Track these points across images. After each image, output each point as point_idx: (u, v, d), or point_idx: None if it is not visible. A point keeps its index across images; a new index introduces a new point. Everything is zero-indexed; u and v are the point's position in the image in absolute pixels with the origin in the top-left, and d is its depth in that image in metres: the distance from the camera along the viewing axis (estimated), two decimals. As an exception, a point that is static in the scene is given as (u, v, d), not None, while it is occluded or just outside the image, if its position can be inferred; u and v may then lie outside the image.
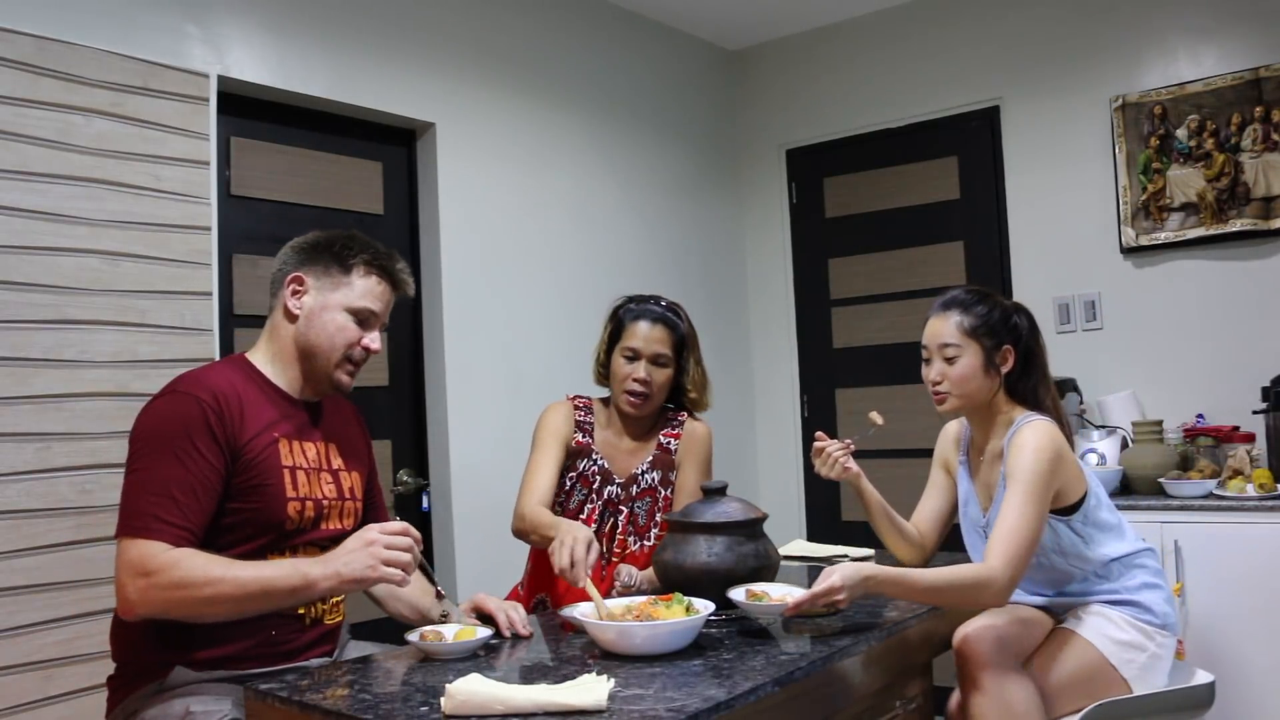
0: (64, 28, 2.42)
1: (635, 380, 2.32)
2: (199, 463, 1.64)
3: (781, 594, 1.83)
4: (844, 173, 4.37)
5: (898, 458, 4.16)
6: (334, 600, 1.85)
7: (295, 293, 1.83)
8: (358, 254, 1.85)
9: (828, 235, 4.41)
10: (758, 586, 1.87)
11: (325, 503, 1.82)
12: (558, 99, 3.76)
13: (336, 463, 1.88)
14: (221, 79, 2.75)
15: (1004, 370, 2.14)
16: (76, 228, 2.42)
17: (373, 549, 1.60)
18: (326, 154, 3.13)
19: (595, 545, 1.94)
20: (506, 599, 1.98)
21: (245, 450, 1.71)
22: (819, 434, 2.32)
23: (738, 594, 1.83)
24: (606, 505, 2.36)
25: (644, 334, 2.34)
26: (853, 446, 2.30)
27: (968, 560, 2.18)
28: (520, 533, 2.26)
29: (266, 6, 2.88)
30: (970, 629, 1.92)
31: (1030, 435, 2.03)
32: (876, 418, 2.36)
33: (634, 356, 2.34)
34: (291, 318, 1.83)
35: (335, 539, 1.86)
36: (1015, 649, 1.94)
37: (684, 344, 2.39)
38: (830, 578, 1.74)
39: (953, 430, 2.38)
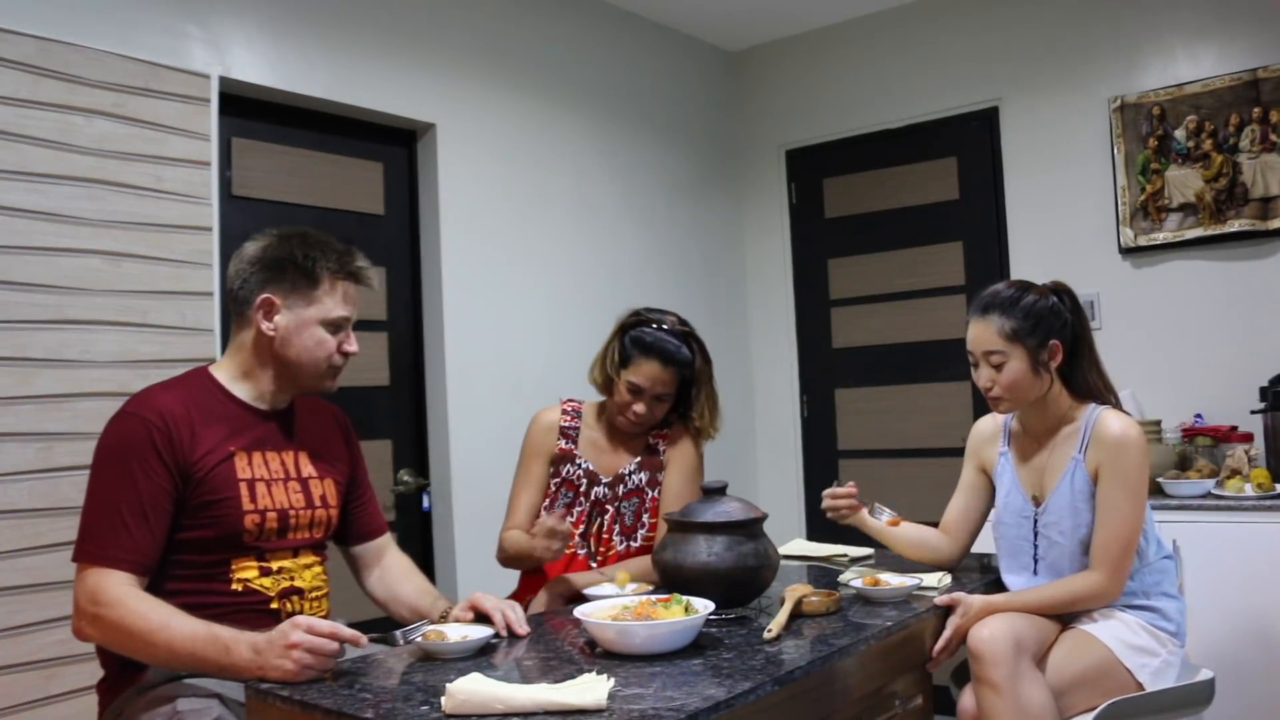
0: (65, 29, 2.42)
1: (634, 412, 2.31)
2: (147, 484, 1.66)
3: (899, 580, 2.06)
4: (844, 173, 4.38)
5: (898, 458, 4.17)
6: (313, 596, 1.86)
7: (267, 314, 1.80)
8: (321, 263, 1.81)
9: (827, 236, 4.41)
10: (877, 574, 2.13)
11: (292, 512, 1.82)
12: (558, 99, 3.77)
13: (307, 470, 1.88)
14: (222, 80, 2.76)
15: (1054, 365, 2.11)
16: (78, 228, 2.42)
17: (294, 654, 1.51)
18: (327, 154, 3.14)
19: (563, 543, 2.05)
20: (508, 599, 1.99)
21: (196, 468, 1.71)
22: (852, 484, 2.32)
23: (856, 582, 2.07)
24: (594, 506, 2.36)
25: (651, 375, 2.27)
26: (866, 509, 2.31)
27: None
28: (505, 563, 2.32)
29: (267, 7, 2.89)
30: (986, 629, 1.90)
31: (1129, 428, 2.05)
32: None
33: (636, 391, 2.29)
34: (266, 338, 1.81)
35: (312, 546, 1.88)
36: (1031, 649, 1.93)
37: (693, 380, 2.35)
38: (953, 619, 1.96)
39: (987, 427, 2.34)
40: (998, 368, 2.10)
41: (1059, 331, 2.11)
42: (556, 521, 2.02)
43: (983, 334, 2.12)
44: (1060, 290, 2.16)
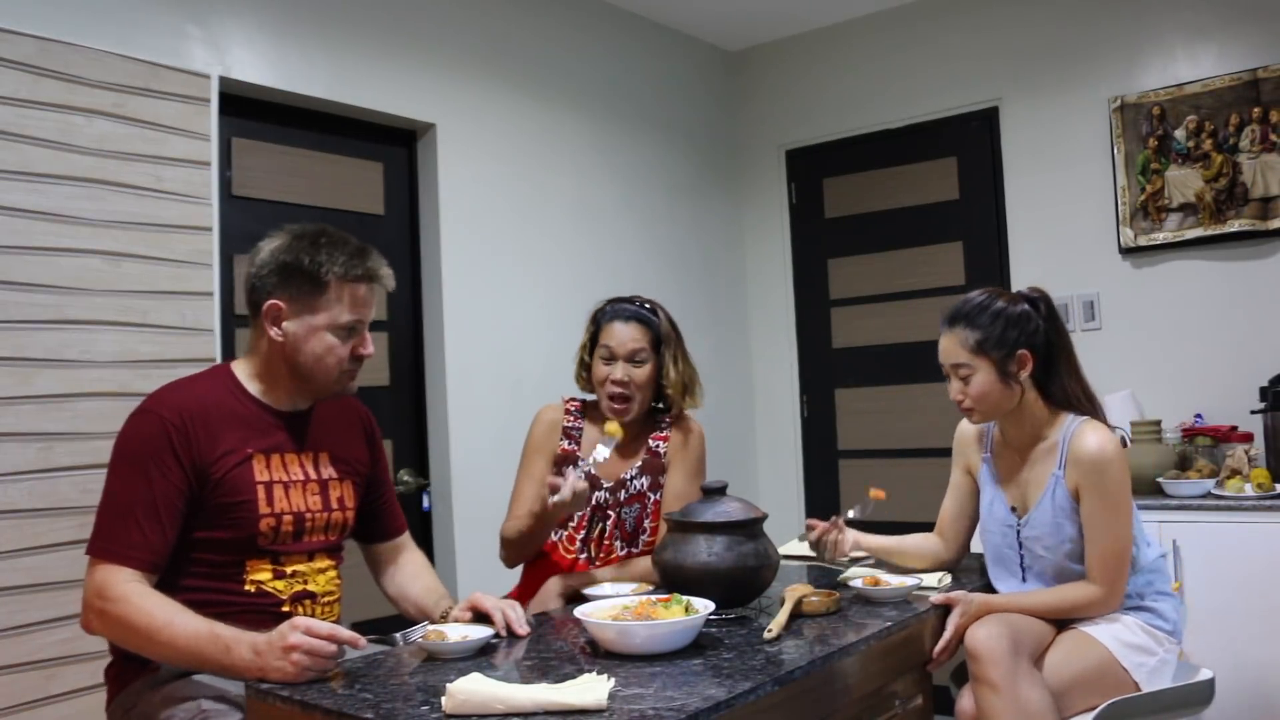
0: (65, 29, 2.42)
1: (614, 382, 2.32)
2: (161, 483, 1.66)
3: (899, 580, 2.07)
4: (844, 173, 4.38)
5: (898, 458, 4.17)
6: (326, 601, 1.86)
7: (275, 321, 1.78)
8: (329, 267, 1.77)
9: (827, 235, 4.41)
10: (877, 574, 2.14)
11: (308, 516, 1.82)
12: (558, 99, 3.77)
13: (326, 472, 1.87)
14: (222, 80, 2.76)
15: (1023, 375, 2.09)
16: (78, 228, 2.42)
17: (292, 656, 1.51)
18: (327, 154, 3.14)
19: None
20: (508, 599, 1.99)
21: (213, 469, 1.71)
22: (809, 521, 2.34)
23: (856, 582, 2.07)
24: (595, 510, 2.36)
25: (618, 334, 2.34)
26: (841, 521, 2.32)
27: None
28: (510, 559, 2.33)
29: (267, 7, 2.89)
30: (983, 629, 1.90)
31: (1106, 444, 2.03)
32: (879, 494, 2.36)
33: (610, 357, 2.33)
34: (277, 344, 1.79)
35: (327, 549, 1.88)
36: (1028, 649, 1.94)
37: (661, 341, 2.37)
38: (953, 618, 1.95)
39: (971, 430, 2.34)
40: (965, 380, 2.11)
41: (1028, 340, 2.09)
42: (579, 483, 2.06)
43: (949, 347, 2.13)
44: (1034, 297, 2.15)
